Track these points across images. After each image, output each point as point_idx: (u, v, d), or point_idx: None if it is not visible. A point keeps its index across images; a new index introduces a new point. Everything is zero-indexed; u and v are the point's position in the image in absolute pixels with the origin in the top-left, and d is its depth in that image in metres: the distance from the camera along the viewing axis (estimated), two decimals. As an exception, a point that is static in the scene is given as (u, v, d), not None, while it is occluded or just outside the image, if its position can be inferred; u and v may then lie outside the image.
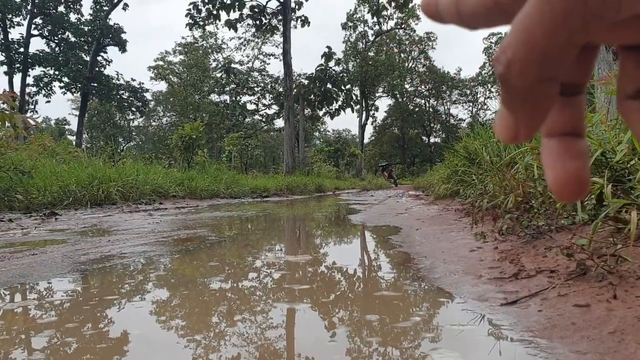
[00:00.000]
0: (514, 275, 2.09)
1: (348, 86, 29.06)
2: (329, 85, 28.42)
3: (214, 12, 25.50)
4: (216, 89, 32.50)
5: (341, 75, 28.74)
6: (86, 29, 37.44)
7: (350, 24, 46.10)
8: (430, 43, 59.10)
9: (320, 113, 31.11)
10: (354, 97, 29.80)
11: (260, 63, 43.18)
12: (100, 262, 2.80)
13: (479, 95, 63.24)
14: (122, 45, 38.12)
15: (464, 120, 66.08)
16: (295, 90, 26.91)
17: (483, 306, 1.73)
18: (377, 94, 53.56)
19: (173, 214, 7.04)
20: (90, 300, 1.98)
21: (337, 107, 29.95)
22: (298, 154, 27.19)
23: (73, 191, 7.76)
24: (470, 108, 64.54)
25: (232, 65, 32.39)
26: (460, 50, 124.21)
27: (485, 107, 63.51)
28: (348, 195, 16.66)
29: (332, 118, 30.75)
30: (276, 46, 40.10)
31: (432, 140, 66.84)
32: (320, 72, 28.08)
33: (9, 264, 2.71)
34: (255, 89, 36.32)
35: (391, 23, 47.67)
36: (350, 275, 2.58)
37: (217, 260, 2.97)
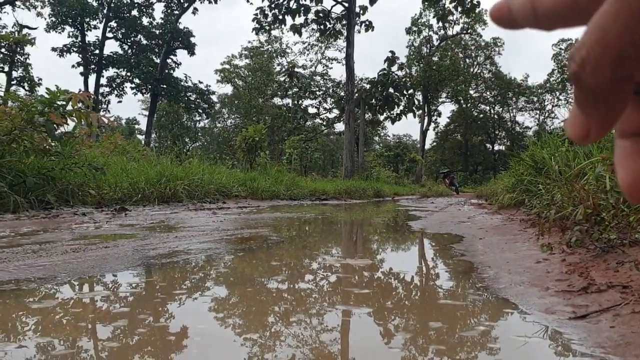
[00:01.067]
0: (584, 289, 2.01)
1: (410, 91, 28.70)
2: (390, 90, 28.19)
3: (280, 17, 25.97)
4: (279, 93, 33.02)
5: (404, 80, 28.45)
6: (157, 32, 39.03)
7: (414, 28, 45.73)
8: (497, 49, 57.64)
9: (381, 118, 30.92)
10: (416, 102, 29.42)
11: (323, 67, 43.61)
12: (168, 257, 2.91)
13: (546, 103, 61.03)
14: (191, 49, 39.43)
15: (530, 129, 63.94)
16: (356, 95, 26.92)
17: (550, 319, 1.68)
18: (440, 100, 52.72)
19: (236, 213, 7.21)
20: (159, 293, 2.07)
21: (398, 112, 29.64)
22: (357, 158, 27.18)
23: (142, 188, 8.10)
24: (537, 116, 62.37)
25: (295, 70, 32.81)
26: (528, 56, 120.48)
27: (553, 115, 61.17)
28: (407, 201, 16.49)
29: (393, 123, 30.51)
30: (339, 50, 40.41)
31: (496, 147, 65.08)
32: (383, 76, 27.90)
33: (84, 255, 2.87)
34: (317, 92, 36.69)
35: (457, 28, 46.82)
36: (411, 281, 2.56)
37: (277, 260, 3.03)
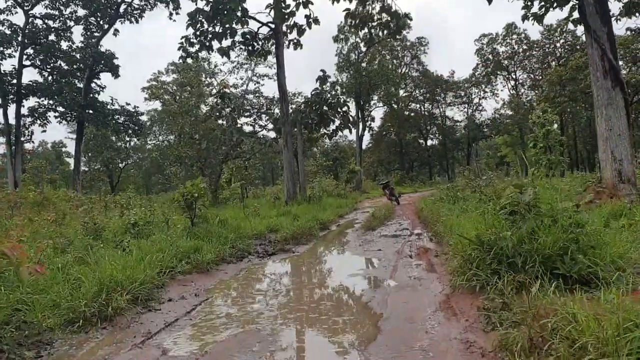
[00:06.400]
0: None
1: (345, 108, 28.80)
2: (325, 108, 28.23)
3: (207, 44, 25.31)
4: (212, 116, 32.32)
5: (337, 98, 28.62)
6: (78, 56, 37.21)
7: (341, 36, 45.86)
8: (422, 48, 59.15)
9: (318, 135, 30.99)
10: (350, 118, 29.54)
11: (255, 84, 43.10)
12: None
13: (473, 96, 63.31)
14: (114, 71, 37.99)
15: (460, 122, 66.21)
16: (292, 115, 26.77)
17: None
18: (372, 102, 53.35)
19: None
20: None
21: (334, 127, 29.78)
22: (298, 177, 26.99)
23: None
24: (466, 109, 64.65)
25: (227, 90, 32.24)
26: (452, 53, 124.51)
27: (481, 107, 63.63)
28: (353, 237, 16.47)
29: (330, 139, 30.69)
30: (269, 67, 39.98)
31: (429, 143, 67.08)
32: (316, 96, 27.88)
33: None
34: (251, 110, 36.19)
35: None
36: None
37: None
